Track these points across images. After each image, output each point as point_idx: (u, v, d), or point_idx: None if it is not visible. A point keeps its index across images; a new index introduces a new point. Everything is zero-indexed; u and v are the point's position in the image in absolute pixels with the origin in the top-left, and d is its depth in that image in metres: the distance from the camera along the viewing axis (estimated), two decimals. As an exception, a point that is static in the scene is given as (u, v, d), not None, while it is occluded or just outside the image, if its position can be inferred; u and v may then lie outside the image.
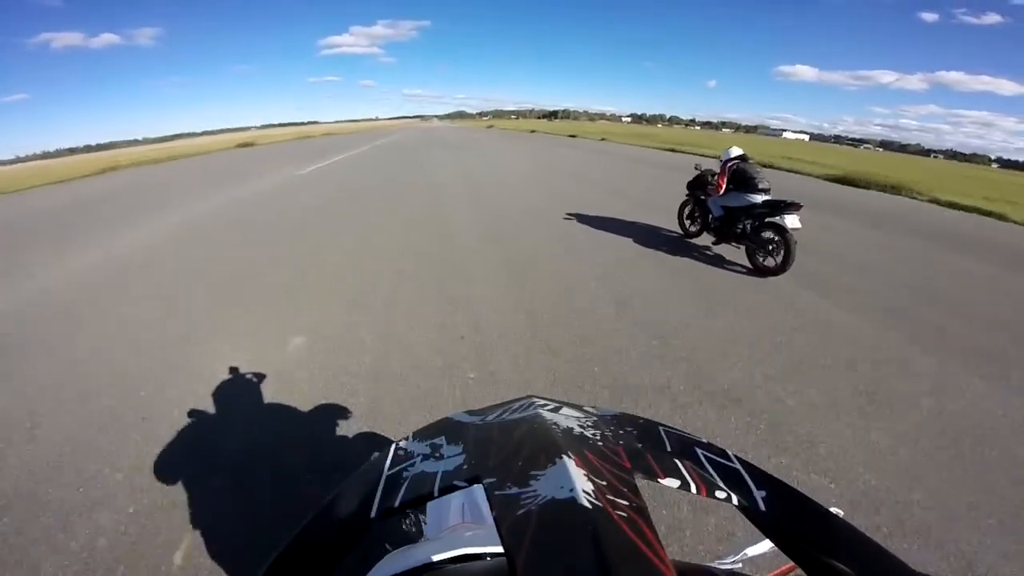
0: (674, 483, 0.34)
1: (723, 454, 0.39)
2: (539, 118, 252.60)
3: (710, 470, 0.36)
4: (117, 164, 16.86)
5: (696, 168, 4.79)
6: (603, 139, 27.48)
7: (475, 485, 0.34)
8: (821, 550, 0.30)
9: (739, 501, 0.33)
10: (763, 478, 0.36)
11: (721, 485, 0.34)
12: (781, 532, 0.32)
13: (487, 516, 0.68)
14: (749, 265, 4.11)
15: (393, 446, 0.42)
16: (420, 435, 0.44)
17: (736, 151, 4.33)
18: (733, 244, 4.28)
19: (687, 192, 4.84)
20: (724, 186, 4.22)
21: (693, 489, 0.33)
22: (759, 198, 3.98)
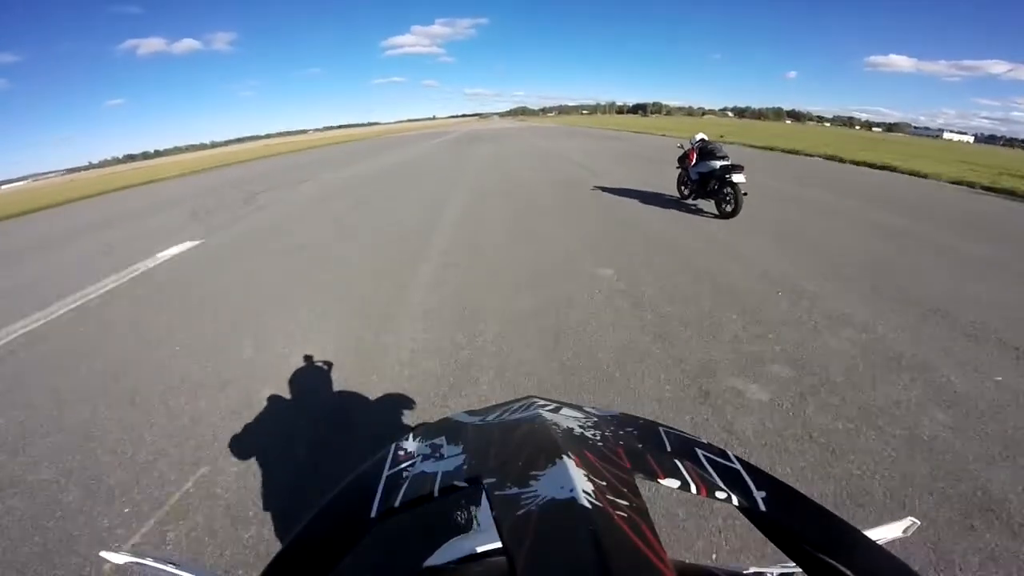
0: (674, 483, 0.39)
1: (723, 454, 0.44)
2: (619, 113, 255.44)
3: (710, 470, 0.41)
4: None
5: (680, 147, 7.69)
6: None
7: (478, 485, 0.38)
8: (821, 550, 0.35)
9: (739, 502, 0.38)
10: (763, 478, 0.41)
11: (721, 485, 0.39)
12: (781, 532, 0.37)
13: None
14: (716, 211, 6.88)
15: (393, 446, 0.49)
16: (420, 435, 0.51)
17: (701, 135, 7.21)
18: (704, 199, 7.07)
19: (678, 166, 7.72)
20: (694, 158, 7.08)
21: (693, 489, 0.38)
22: (718, 164, 6.77)
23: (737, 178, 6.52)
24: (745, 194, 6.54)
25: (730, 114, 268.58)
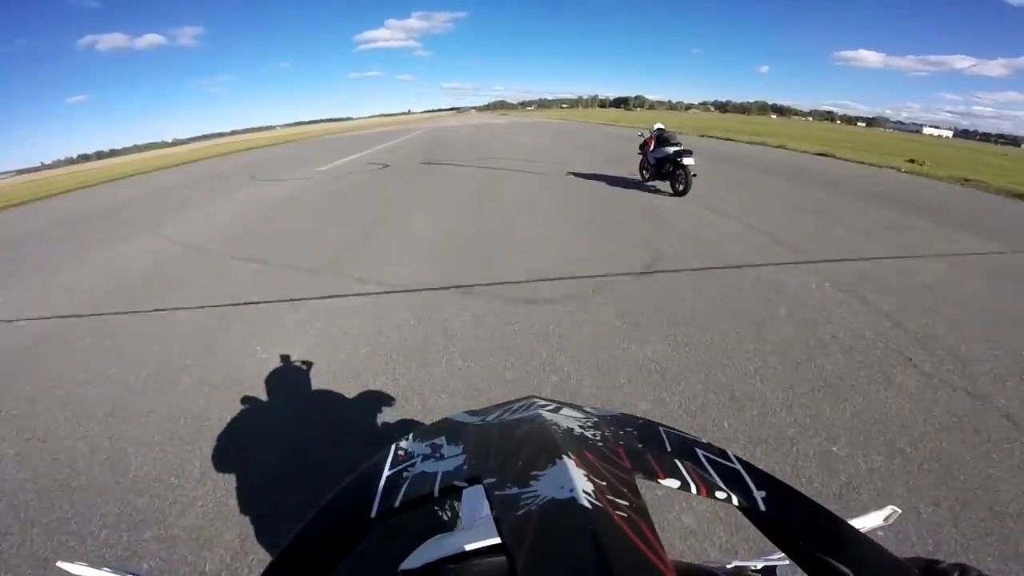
0: (674, 483, 0.40)
1: (723, 454, 0.46)
2: (601, 107, 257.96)
3: (710, 470, 0.43)
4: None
5: (640, 135, 8.94)
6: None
7: (476, 485, 0.39)
8: (821, 550, 0.36)
9: (739, 501, 0.39)
10: (763, 478, 0.42)
11: (721, 485, 0.41)
12: (781, 532, 0.38)
13: None
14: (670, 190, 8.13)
15: (393, 446, 0.50)
16: (420, 435, 0.52)
17: (659, 125, 8.49)
18: (660, 180, 8.33)
19: (639, 151, 8.96)
20: (652, 145, 8.34)
21: (693, 489, 0.40)
22: (672, 149, 8.01)
23: (687, 161, 7.77)
24: (695, 175, 7.80)
25: (712, 108, 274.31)
